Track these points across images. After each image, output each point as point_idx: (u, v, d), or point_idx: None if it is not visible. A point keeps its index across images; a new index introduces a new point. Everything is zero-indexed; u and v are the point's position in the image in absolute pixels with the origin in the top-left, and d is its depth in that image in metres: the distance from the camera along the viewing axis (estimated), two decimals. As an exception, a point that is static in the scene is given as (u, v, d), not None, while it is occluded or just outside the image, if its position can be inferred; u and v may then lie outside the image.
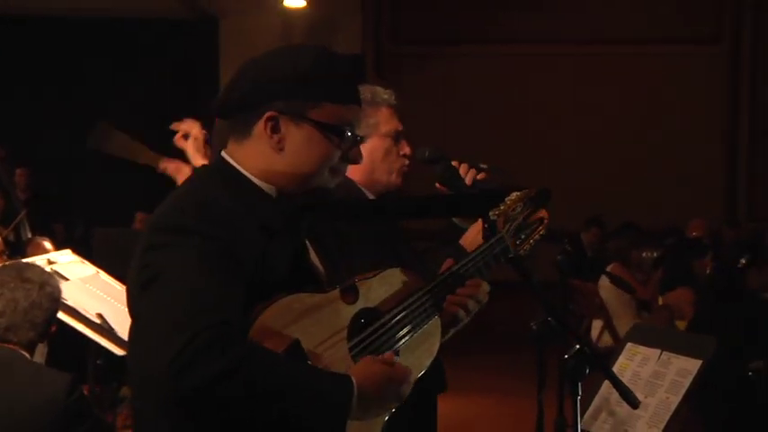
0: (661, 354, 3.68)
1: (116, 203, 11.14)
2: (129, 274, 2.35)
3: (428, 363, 2.55)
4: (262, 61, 2.41)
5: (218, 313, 2.12)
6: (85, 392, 4.83)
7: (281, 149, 2.37)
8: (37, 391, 3.68)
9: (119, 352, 4.42)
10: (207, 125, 4.81)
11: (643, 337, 3.82)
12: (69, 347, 4.80)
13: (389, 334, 2.43)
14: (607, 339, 8.76)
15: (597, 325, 9.05)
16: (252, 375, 2.10)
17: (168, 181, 4.44)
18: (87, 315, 4.49)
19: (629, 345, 3.81)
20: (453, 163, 3.60)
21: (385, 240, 3.44)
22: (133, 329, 2.36)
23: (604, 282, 8.67)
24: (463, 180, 3.53)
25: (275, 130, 2.36)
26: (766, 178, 14.70)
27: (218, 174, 2.40)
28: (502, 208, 2.80)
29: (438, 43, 14.31)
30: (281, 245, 2.35)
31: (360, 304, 2.40)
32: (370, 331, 2.39)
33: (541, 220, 2.93)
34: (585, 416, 3.63)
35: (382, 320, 2.42)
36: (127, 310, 2.37)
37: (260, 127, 2.37)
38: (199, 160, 4.19)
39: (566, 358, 2.84)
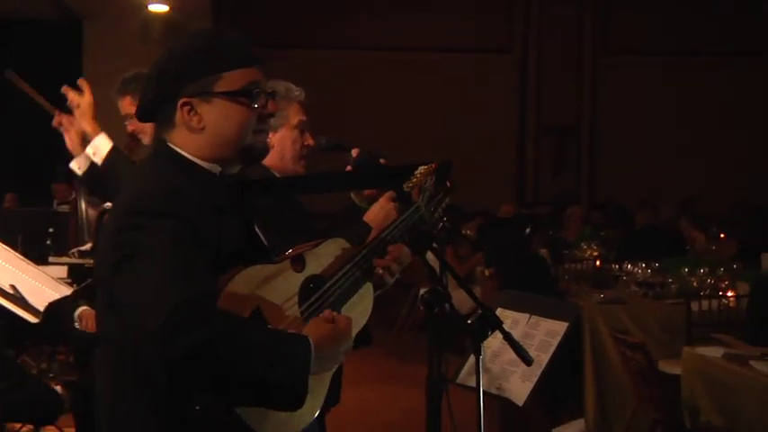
0: (530, 317, 3.66)
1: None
2: (99, 256, 2.27)
3: (364, 321, 2.51)
4: (161, 60, 2.32)
5: (198, 285, 2.05)
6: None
7: (203, 128, 2.27)
8: None
9: (33, 320, 4.17)
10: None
11: (512, 302, 3.79)
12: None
13: (333, 297, 2.39)
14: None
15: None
16: (231, 339, 2.02)
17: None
18: (2, 286, 4.21)
19: (499, 309, 3.77)
20: (354, 151, 3.57)
21: (305, 215, 3.38)
22: (106, 303, 2.22)
23: (429, 257, 8.77)
24: (381, 164, 3.47)
25: (192, 113, 2.27)
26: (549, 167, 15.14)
27: (169, 160, 2.30)
28: (413, 180, 2.75)
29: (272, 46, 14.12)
30: (232, 222, 2.28)
31: (307, 272, 2.36)
32: (317, 296, 2.36)
33: (447, 189, 2.87)
34: (462, 373, 3.59)
35: (326, 285, 2.39)
36: (41, 285, 2.23)
37: (179, 115, 2.28)
38: (86, 125, 4.00)
39: (469, 322, 2.80)
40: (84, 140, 3.98)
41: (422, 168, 2.76)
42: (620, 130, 14.91)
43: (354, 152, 3.66)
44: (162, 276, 2.02)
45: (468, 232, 9.22)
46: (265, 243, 2.41)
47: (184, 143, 2.30)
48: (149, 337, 1.99)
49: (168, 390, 2.11)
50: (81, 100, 4.03)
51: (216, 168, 2.32)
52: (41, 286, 4.46)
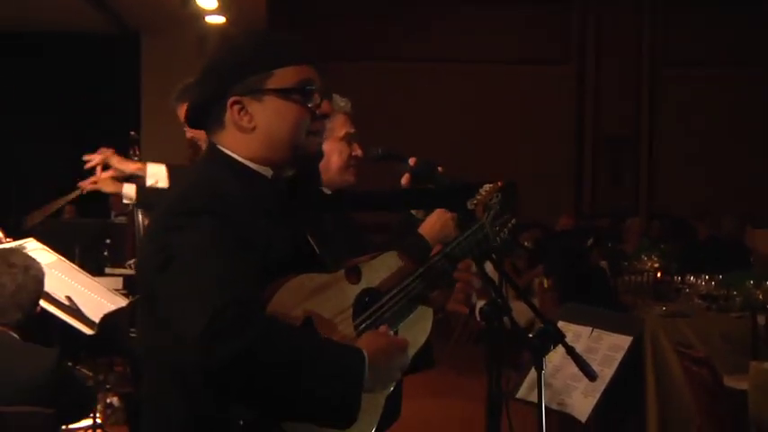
0: (592, 331, 3.55)
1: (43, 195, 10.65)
2: (142, 258, 2.20)
3: (422, 340, 2.38)
4: (209, 61, 2.23)
5: (241, 288, 1.94)
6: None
7: (255, 128, 2.17)
8: (28, 365, 3.48)
9: (88, 331, 4.15)
10: (123, 141, 4.64)
11: (573, 315, 3.68)
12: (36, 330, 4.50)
13: (390, 312, 2.25)
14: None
15: (480, 305, 9.05)
16: (276, 347, 1.90)
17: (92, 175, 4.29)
18: (57, 298, 4.20)
19: (560, 323, 3.66)
20: (411, 160, 3.48)
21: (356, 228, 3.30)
22: (150, 310, 2.10)
23: (488, 268, 8.70)
24: (439, 173, 3.38)
25: (242, 112, 2.16)
26: (607, 178, 14.94)
27: (219, 163, 2.19)
28: (478, 198, 2.62)
29: (328, 58, 14.11)
30: (284, 229, 2.16)
31: (362, 284, 2.23)
32: (372, 310, 2.22)
33: (514, 210, 2.73)
34: (522, 387, 3.49)
35: (383, 300, 2.25)
36: (97, 296, 2.16)
37: (229, 115, 2.17)
38: (130, 166, 4.13)
39: (531, 336, 2.69)
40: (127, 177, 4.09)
41: (487, 186, 2.65)
42: (679, 141, 14.67)
43: (412, 161, 3.56)
44: (201, 279, 1.92)
45: (526, 244, 9.09)
46: (318, 252, 2.29)
47: (235, 144, 2.19)
48: (189, 347, 1.88)
49: (210, 403, 1.99)
50: (105, 152, 4.05)
51: (268, 171, 2.21)
52: (97, 297, 4.44)
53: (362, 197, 2.80)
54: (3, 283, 3.53)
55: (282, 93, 2.16)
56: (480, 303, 3.21)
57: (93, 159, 4.26)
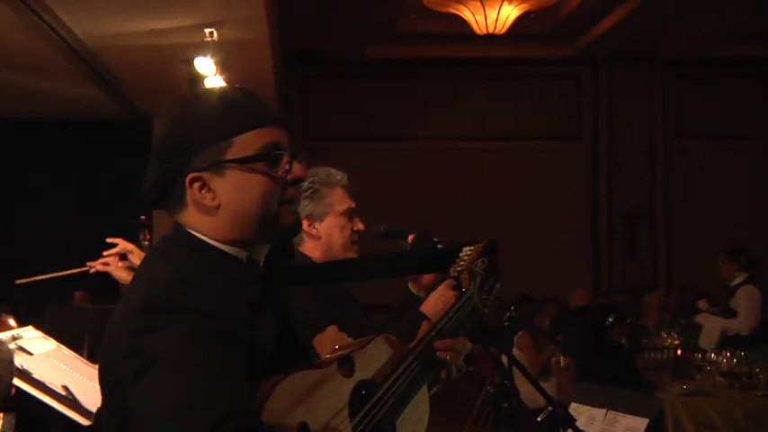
0: (607, 412, 3.40)
1: (54, 283, 10.56)
2: (106, 366, 1.87)
3: (422, 429, 2.16)
4: (159, 137, 1.98)
5: (235, 398, 1.67)
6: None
7: (219, 206, 1.90)
8: None
9: (84, 422, 3.98)
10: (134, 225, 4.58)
11: (587, 396, 3.54)
12: (33, 420, 4.34)
13: (389, 405, 2.01)
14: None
15: None
16: None
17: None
18: (53, 387, 4.04)
19: (573, 405, 3.52)
20: (409, 237, 3.39)
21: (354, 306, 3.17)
22: (119, 427, 1.81)
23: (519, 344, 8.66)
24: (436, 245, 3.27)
25: (204, 189, 1.90)
26: (623, 252, 14.78)
27: (185, 246, 1.92)
28: (461, 264, 2.37)
29: (342, 139, 14.12)
30: (266, 318, 1.91)
31: (357, 376, 2.00)
32: (369, 407, 1.98)
33: (497, 271, 2.48)
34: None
35: (380, 392, 2.01)
36: (96, 385, 1.89)
37: (190, 194, 1.91)
38: None
39: (539, 420, 2.55)
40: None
41: (467, 250, 2.40)
42: (695, 213, 14.53)
43: (410, 238, 3.46)
44: (189, 389, 1.64)
45: (546, 322, 8.93)
46: (302, 341, 2.11)
47: (200, 225, 1.92)
48: None
49: None
50: (127, 245, 3.99)
51: (241, 253, 1.94)
52: (97, 386, 4.28)
53: (341, 266, 2.62)
54: None
55: (244, 162, 1.89)
56: (489, 386, 3.09)
57: (116, 247, 4.14)
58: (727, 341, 8.28)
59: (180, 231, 1.95)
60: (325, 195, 3.27)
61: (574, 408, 3.48)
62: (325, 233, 3.26)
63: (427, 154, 14.40)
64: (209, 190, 1.90)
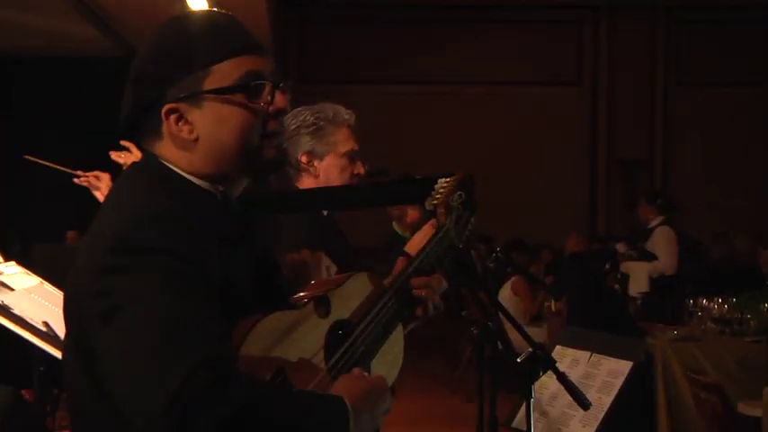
0: (591, 356, 3.34)
1: (48, 222, 10.51)
2: (71, 300, 1.75)
3: (396, 372, 2.09)
4: (136, 62, 1.83)
5: (210, 343, 1.56)
6: (29, 397, 4.37)
7: (197, 139, 1.79)
8: None
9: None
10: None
11: (572, 339, 3.47)
12: (13, 356, 4.31)
13: (365, 345, 1.95)
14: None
15: None
16: (258, 415, 1.55)
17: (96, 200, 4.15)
18: (33, 323, 3.99)
19: (558, 347, 3.45)
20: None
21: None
22: (84, 368, 1.70)
23: (503, 292, 8.62)
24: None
25: (181, 121, 1.78)
26: (621, 200, 14.72)
27: (157, 179, 1.80)
28: (438, 198, 2.24)
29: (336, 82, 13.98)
30: (241, 256, 1.81)
31: (333, 316, 1.92)
32: (345, 347, 1.91)
33: (472, 206, 2.35)
34: (517, 416, 3.27)
35: (356, 333, 1.94)
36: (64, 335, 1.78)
37: (167, 126, 1.79)
38: None
39: (519, 361, 2.45)
40: None
41: (443, 181, 2.26)
42: (693, 162, 14.47)
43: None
44: (160, 337, 1.54)
45: (541, 268, 8.90)
46: (281, 279, 2.00)
47: (175, 158, 1.81)
48: (152, 421, 1.51)
49: None
50: (132, 157, 3.89)
51: (216, 189, 1.84)
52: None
53: (314, 194, 2.50)
54: None
55: (222, 93, 1.77)
56: (473, 328, 3.03)
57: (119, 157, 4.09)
58: (654, 284, 8.33)
59: (152, 162, 1.83)
60: (330, 134, 3.14)
61: (558, 351, 3.42)
62: (323, 172, 3.14)
63: (425, 97, 14.32)
64: (187, 122, 1.79)
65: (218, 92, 1.77)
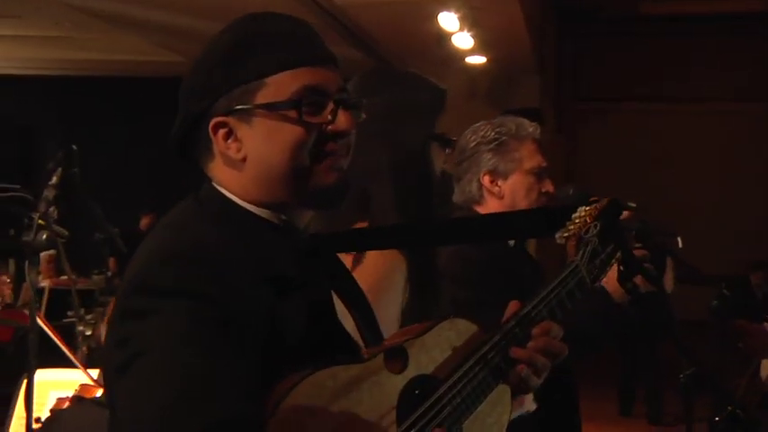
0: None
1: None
2: (105, 350, 1.56)
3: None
4: (188, 73, 1.66)
5: (228, 400, 1.37)
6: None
7: (245, 158, 1.58)
8: None
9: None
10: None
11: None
12: None
13: (451, 408, 1.59)
14: (776, 379, 8.03)
15: (767, 365, 8.21)
16: None
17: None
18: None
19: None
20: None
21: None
22: (111, 424, 1.55)
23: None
24: None
25: (230, 138, 1.58)
26: None
27: (207, 207, 1.61)
28: (571, 228, 1.88)
29: (616, 100, 13.41)
30: (298, 298, 1.56)
31: (410, 372, 1.59)
32: (425, 408, 1.56)
33: (621, 240, 1.96)
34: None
35: (440, 392, 1.59)
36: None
37: (216, 143, 1.60)
38: None
39: (716, 420, 2.15)
40: None
41: (581, 211, 1.89)
42: None
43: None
44: (171, 392, 1.36)
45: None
46: (354, 330, 1.70)
47: (227, 181, 1.61)
48: None
49: None
50: None
51: (277, 217, 1.62)
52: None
53: (415, 230, 2.10)
54: None
55: (274, 108, 1.56)
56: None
57: None
58: None
59: (206, 187, 1.64)
60: (513, 150, 2.91)
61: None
62: (508, 192, 2.91)
63: (698, 117, 13.33)
64: (236, 139, 1.58)
65: (269, 107, 1.56)
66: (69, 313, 5.97)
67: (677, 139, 13.10)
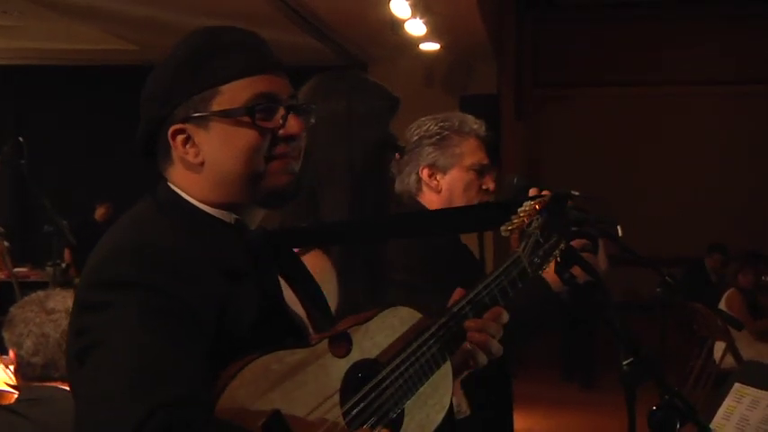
0: (774, 399, 2.85)
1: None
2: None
3: (440, 417, 1.82)
4: (148, 80, 1.78)
5: (175, 385, 1.45)
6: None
7: (202, 162, 1.70)
8: None
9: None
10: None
11: (754, 376, 2.98)
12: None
13: (392, 390, 1.69)
14: (729, 361, 8.31)
15: (720, 347, 8.63)
16: None
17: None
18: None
19: (737, 385, 2.97)
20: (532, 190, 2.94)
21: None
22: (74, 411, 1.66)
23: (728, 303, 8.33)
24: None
25: (188, 143, 1.70)
26: None
27: (162, 206, 1.72)
28: (515, 221, 1.97)
29: (576, 85, 13.37)
30: (249, 290, 1.67)
31: (354, 356, 1.69)
32: (366, 390, 1.66)
33: (564, 232, 2.08)
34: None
35: (382, 374, 1.69)
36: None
37: (175, 149, 1.72)
38: None
39: (654, 409, 2.09)
40: None
41: (527, 205, 1.98)
42: None
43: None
44: (121, 379, 1.44)
45: (764, 278, 8.24)
46: (303, 317, 1.78)
47: (185, 184, 1.73)
48: None
49: None
50: None
51: (229, 216, 1.73)
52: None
53: (369, 225, 2.15)
54: (46, 334, 3.12)
55: (228, 115, 1.68)
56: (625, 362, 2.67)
57: None
58: None
59: (161, 188, 1.76)
60: (455, 145, 2.92)
61: (737, 389, 2.96)
62: (446, 187, 2.92)
63: (668, 101, 13.26)
64: (193, 145, 1.71)
65: (224, 114, 1.69)
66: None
67: (642, 123, 13.05)
